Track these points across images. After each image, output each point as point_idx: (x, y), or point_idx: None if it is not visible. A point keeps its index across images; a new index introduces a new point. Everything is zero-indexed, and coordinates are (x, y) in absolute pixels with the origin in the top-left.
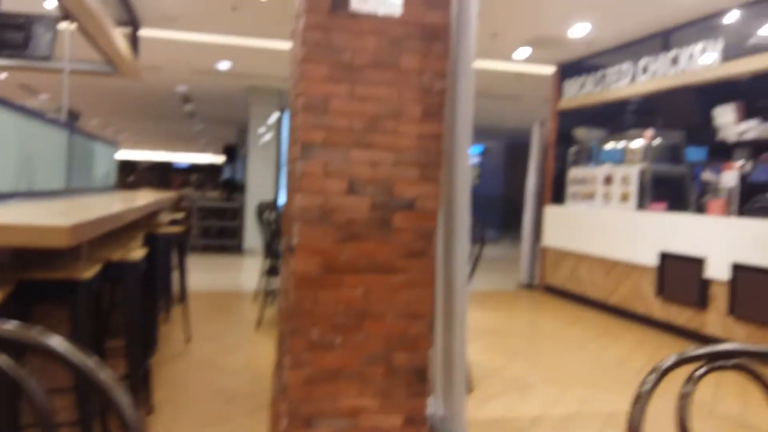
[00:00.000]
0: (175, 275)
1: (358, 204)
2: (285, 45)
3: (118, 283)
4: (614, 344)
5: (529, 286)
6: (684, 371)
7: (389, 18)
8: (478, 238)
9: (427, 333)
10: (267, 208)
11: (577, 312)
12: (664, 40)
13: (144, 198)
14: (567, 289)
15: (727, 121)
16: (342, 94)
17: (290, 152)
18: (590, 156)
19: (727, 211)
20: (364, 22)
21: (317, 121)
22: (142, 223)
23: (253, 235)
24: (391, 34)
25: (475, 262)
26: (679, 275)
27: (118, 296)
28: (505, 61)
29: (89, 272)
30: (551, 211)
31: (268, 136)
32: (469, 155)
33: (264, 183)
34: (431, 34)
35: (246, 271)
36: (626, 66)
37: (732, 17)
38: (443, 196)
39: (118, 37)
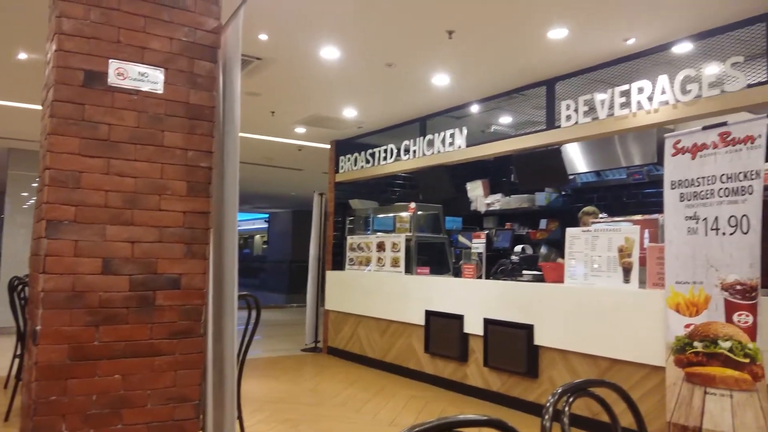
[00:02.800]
0: None
1: (116, 283)
2: None
3: None
4: (389, 402)
5: (314, 350)
6: None
7: (151, 95)
8: (253, 307)
9: (195, 416)
10: (21, 283)
11: (357, 372)
12: (421, 125)
13: None
14: (348, 350)
15: (477, 194)
16: (96, 168)
17: (34, 230)
18: (366, 225)
19: (477, 274)
20: (123, 97)
21: (66, 197)
22: None
23: (5, 313)
24: (153, 111)
25: (252, 332)
26: (443, 332)
27: None
28: (286, 135)
29: None
30: (332, 276)
31: (30, 202)
32: (236, 230)
33: (24, 254)
34: (197, 114)
35: None
36: (392, 146)
37: (474, 109)
38: (212, 271)
39: None
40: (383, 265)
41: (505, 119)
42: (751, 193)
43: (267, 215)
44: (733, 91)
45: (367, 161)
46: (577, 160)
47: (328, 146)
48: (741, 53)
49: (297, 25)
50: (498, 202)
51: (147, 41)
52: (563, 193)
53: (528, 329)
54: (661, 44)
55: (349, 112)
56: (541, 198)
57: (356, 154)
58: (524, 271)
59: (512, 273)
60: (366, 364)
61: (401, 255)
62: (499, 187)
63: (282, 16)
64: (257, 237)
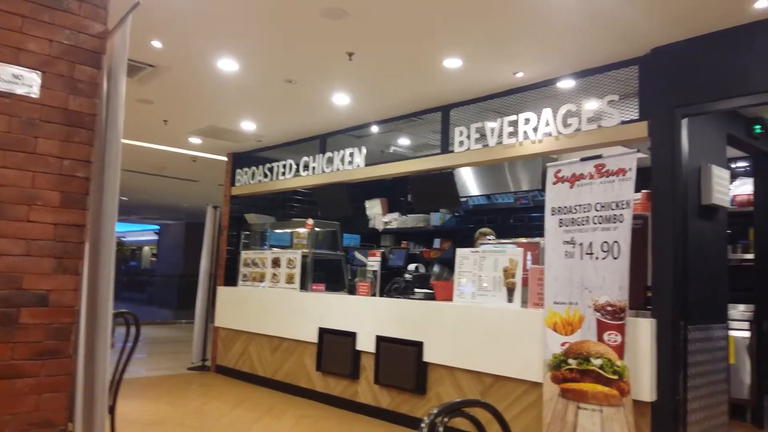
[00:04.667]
0: None
1: None
2: None
3: None
4: (278, 422)
5: (202, 368)
6: None
7: (26, 98)
8: (132, 324)
9: None
10: None
11: (246, 392)
12: (322, 142)
13: None
14: (238, 368)
15: (376, 212)
16: None
17: None
18: (262, 240)
19: (372, 291)
20: None
21: None
22: None
23: None
24: (27, 116)
25: (131, 351)
26: (336, 349)
27: None
28: (180, 145)
29: None
30: (224, 292)
31: None
32: (114, 245)
33: None
34: (75, 120)
35: None
36: (291, 161)
37: (374, 130)
38: (85, 287)
39: None
40: (278, 282)
41: (404, 141)
42: (621, 222)
43: (158, 227)
44: (608, 127)
45: (266, 175)
46: (470, 183)
47: (225, 158)
48: (616, 92)
49: (193, 34)
50: (396, 220)
51: (23, 42)
52: (456, 214)
53: (418, 346)
54: (546, 79)
55: (248, 126)
56: (436, 218)
57: (254, 168)
58: (417, 290)
59: (405, 291)
60: (256, 382)
61: (297, 271)
62: (397, 206)
63: (177, 24)
64: (146, 249)
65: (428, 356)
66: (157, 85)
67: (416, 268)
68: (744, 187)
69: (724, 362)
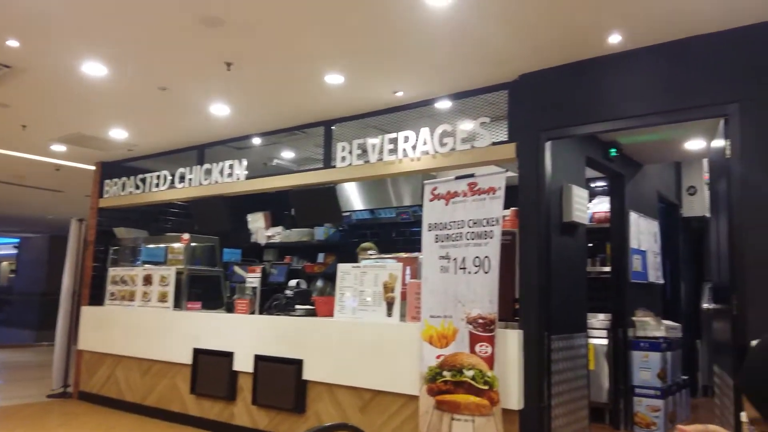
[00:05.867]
0: None
1: None
2: None
3: None
4: None
5: (63, 395)
6: None
7: None
8: None
9: None
10: None
11: (113, 419)
12: (199, 153)
13: None
14: (104, 394)
15: (259, 226)
16: None
17: None
18: (132, 256)
19: (251, 309)
20: None
21: None
22: None
23: None
24: None
25: None
26: (211, 370)
27: None
28: (42, 153)
29: None
30: (88, 312)
31: None
32: None
33: None
34: None
35: None
36: (166, 172)
37: (256, 142)
38: None
39: None
40: (149, 300)
41: (288, 154)
42: (491, 237)
43: (17, 240)
44: (481, 147)
45: (137, 187)
46: (354, 197)
47: (93, 167)
48: (488, 114)
49: (55, 34)
50: (279, 234)
51: None
52: (341, 228)
53: (298, 364)
54: (425, 99)
55: (118, 134)
56: (320, 232)
57: (125, 179)
58: (298, 306)
59: (286, 308)
60: (124, 408)
61: (170, 289)
62: (281, 219)
63: (36, 23)
64: (4, 264)
65: (308, 374)
66: (14, 87)
67: (298, 283)
68: (602, 205)
69: (584, 369)
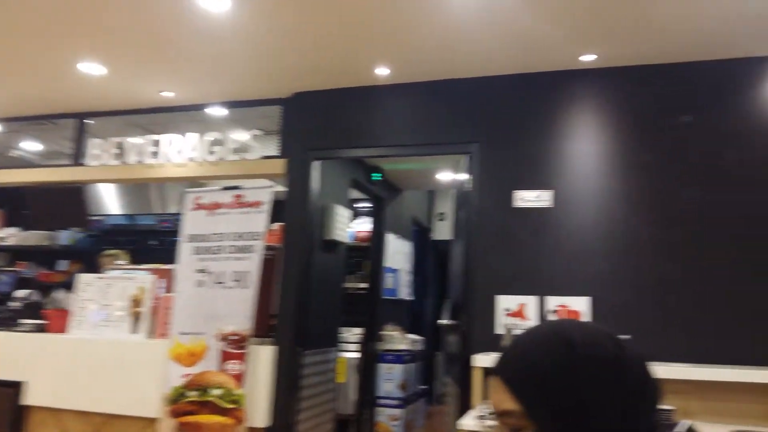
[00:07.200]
0: None
1: None
2: None
3: None
4: None
5: None
6: None
7: None
8: None
9: None
10: None
11: None
12: None
13: None
14: None
15: None
16: None
17: None
18: None
19: None
20: None
21: None
22: None
23: None
24: None
25: None
26: None
27: None
28: None
29: None
30: None
31: None
32: None
33: None
34: None
35: None
36: None
37: None
38: None
39: None
40: None
41: (33, 146)
42: (253, 252)
43: None
44: (252, 159)
45: None
46: (110, 200)
47: None
48: (262, 127)
49: None
50: (14, 236)
51: None
52: (91, 233)
53: (16, 387)
54: (196, 104)
55: None
56: (65, 237)
57: None
58: (26, 320)
59: (10, 322)
60: None
61: None
62: (18, 219)
63: None
64: None
65: (30, 398)
66: None
67: (29, 294)
68: (365, 225)
69: (333, 383)
